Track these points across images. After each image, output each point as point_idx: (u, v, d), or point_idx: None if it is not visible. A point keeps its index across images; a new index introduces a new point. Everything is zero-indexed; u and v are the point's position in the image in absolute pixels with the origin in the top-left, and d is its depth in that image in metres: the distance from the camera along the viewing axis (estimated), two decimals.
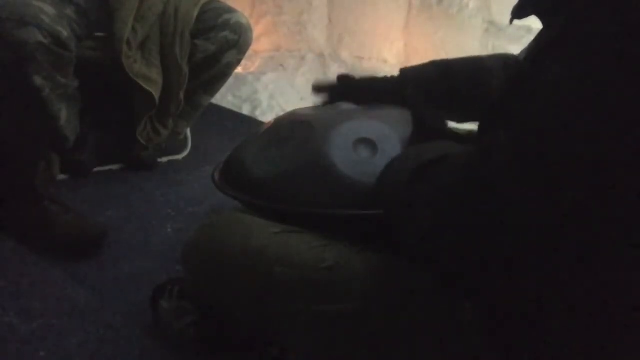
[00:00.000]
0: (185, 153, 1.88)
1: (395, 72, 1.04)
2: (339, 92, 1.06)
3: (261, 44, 2.78)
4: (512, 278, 0.56)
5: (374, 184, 0.82)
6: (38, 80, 1.33)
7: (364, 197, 0.84)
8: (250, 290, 0.85)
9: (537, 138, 0.50)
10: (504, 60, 0.93)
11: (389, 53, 2.78)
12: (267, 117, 2.37)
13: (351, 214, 0.85)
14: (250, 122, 2.21)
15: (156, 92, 1.57)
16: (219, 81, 1.73)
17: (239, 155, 0.99)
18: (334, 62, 2.79)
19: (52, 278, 1.24)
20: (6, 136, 1.36)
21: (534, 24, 0.65)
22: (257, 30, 2.42)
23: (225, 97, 2.43)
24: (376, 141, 0.90)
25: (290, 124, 0.99)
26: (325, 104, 1.08)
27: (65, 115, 1.45)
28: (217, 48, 1.63)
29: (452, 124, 1.00)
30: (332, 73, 2.72)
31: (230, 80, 1.79)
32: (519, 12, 0.68)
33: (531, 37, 0.68)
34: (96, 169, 1.71)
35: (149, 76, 1.56)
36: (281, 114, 1.13)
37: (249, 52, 1.75)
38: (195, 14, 1.60)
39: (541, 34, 0.65)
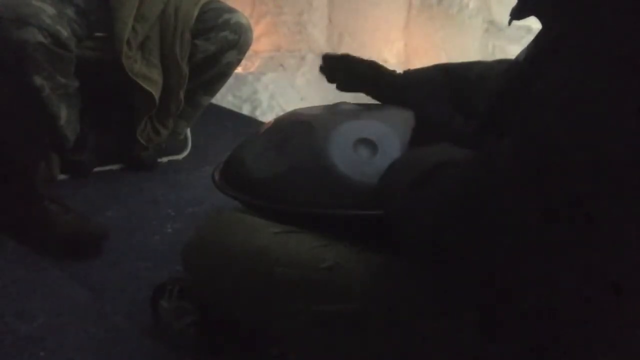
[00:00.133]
0: (185, 153, 1.88)
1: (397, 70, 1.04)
2: (340, 73, 1.06)
3: (261, 44, 2.78)
4: (513, 281, 0.56)
5: (374, 184, 0.82)
6: (38, 80, 1.33)
7: (364, 197, 0.84)
8: (250, 290, 0.85)
9: (538, 144, 0.50)
10: (507, 65, 0.93)
11: (389, 53, 2.78)
12: (267, 117, 2.37)
13: (351, 214, 0.85)
14: (250, 122, 2.21)
15: (156, 92, 1.57)
16: (219, 81, 1.73)
17: (239, 155, 0.99)
18: None
19: (52, 278, 1.24)
20: (6, 136, 1.36)
21: (534, 24, 0.65)
22: (257, 30, 2.42)
23: (225, 97, 2.43)
24: (376, 141, 0.90)
25: (290, 124, 0.99)
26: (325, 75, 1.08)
27: (65, 115, 1.45)
28: (217, 48, 1.63)
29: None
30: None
31: (230, 80, 1.79)
32: (518, 13, 0.68)
33: (531, 37, 0.68)
34: (96, 169, 1.71)
35: (149, 76, 1.56)
36: (281, 114, 1.13)
37: (249, 52, 1.75)
38: (195, 14, 1.60)
39: (540, 35, 0.65)
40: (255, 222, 0.89)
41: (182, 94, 1.65)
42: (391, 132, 0.92)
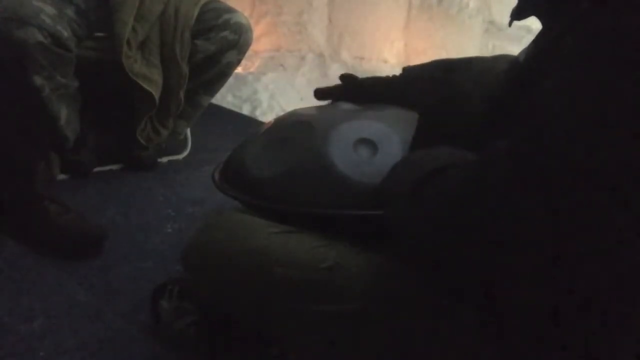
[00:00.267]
0: (185, 153, 1.88)
1: (396, 72, 1.04)
2: (343, 92, 1.06)
3: (261, 44, 2.78)
4: (513, 282, 0.56)
5: (374, 184, 0.82)
6: (38, 80, 1.33)
7: (364, 197, 0.84)
8: (250, 290, 0.85)
9: (538, 146, 0.50)
10: (508, 61, 0.93)
11: (389, 53, 2.78)
12: (267, 117, 2.38)
13: (351, 214, 0.85)
14: (250, 122, 2.21)
15: (156, 92, 1.57)
16: (219, 81, 1.73)
17: (239, 155, 0.99)
18: (334, 62, 2.79)
19: (52, 278, 1.24)
20: (6, 136, 1.36)
21: (534, 24, 0.65)
22: (257, 30, 2.42)
23: (225, 97, 2.43)
24: (376, 141, 0.90)
25: (290, 124, 0.99)
26: (328, 103, 1.08)
27: (65, 115, 1.45)
28: (217, 48, 1.63)
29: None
30: (332, 73, 2.72)
31: (230, 80, 1.79)
32: (518, 14, 0.68)
33: (531, 37, 0.68)
34: (96, 169, 1.71)
35: (149, 76, 1.56)
36: (281, 114, 1.13)
37: (249, 52, 1.75)
38: (195, 14, 1.60)
39: (540, 36, 0.65)
40: (255, 222, 0.89)
41: (182, 94, 1.65)
42: (391, 132, 0.92)
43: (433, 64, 1.01)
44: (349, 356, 0.77)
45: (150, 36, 1.56)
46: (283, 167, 0.91)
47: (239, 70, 2.07)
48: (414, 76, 1.01)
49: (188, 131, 1.87)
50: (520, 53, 0.74)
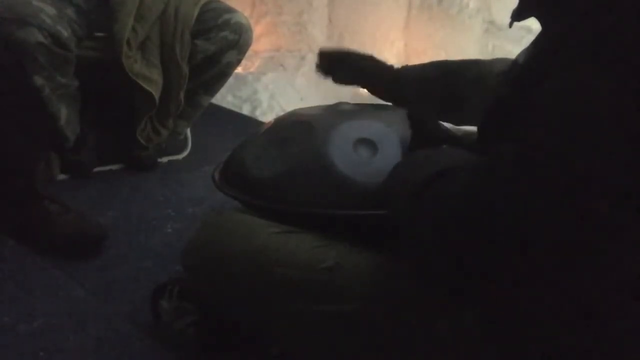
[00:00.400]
0: (185, 153, 1.88)
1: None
2: (338, 66, 1.06)
3: (261, 44, 2.78)
4: (514, 286, 0.56)
5: (373, 184, 0.82)
6: (38, 80, 1.33)
7: (364, 197, 0.84)
8: (250, 290, 0.85)
9: (541, 150, 0.50)
10: (506, 64, 0.93)
11: (389, 53, 2.78)
12: (267, 117, 2.37)
13: (351, 214, 0.85)
14: (250, 122, 2.21)
15: (156, 92, 1.57)
16: (219, 81, 1.73)
17: (239, 155, 1.00)
18: None
19: (52, 278, 1.24)
20: (6, 136, 1.36)
21: (534, 24, 0.65)
22: (257, 30, 2.42)
23: (225, 97, 2.43)
24: (376, 141, 0.90)
25: (290, 124, 0.99)
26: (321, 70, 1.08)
27: (65, 115, 1.45)
28: (217, 48, 1.63)
29: (449, 125, 1.00)
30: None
31: (230, 80, 1.79)
32: (518, 15, 0.68)
33: (531, 37, 0.68)
34: (96, 169, 1.71)
35: (149, 76, 1.56)
36: (281, 114, 1.13)
37: (249, 52, 1.75)
38: (195, 14, 1.60)
39: (540, 37, 0.65)
40: (255, 222, 0.89)
41: (182, 94, 1.65)
42: (391, 132, 0.92)
43: (429, 65, 1.01)
44: (349, 356, 0.77)
45: (150, 36, 1.56)
46: (283, 167, 0.91)
47: (239, 70, 2.07)
48: (410, 77, 1.01)
49: (188, 131, 1.87)
50: (519, 55, 0.74)
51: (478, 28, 2.60)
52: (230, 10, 1.67)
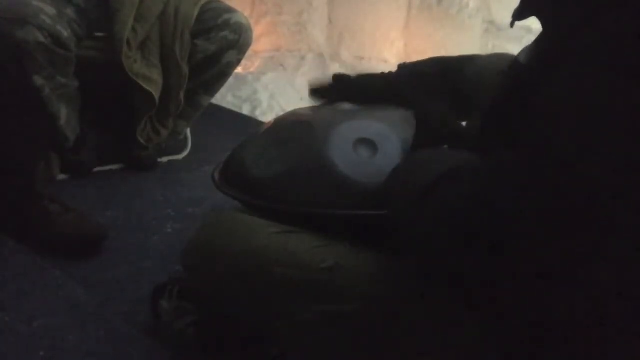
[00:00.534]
0: (185, 153, 1.88)
1: (394, 70, 1.04)
2: (336, 92, 1.06)
3: (261, 44, 2.78)
4: (515, 288, 0.56)
5: (373, 184, 0.82)
6: (38, 80, 1.33)
7: (364, 197, 0.84)
8: (250, 290, 0.85)
9: (547, 155, 0.49)
10: (505, 60, 0.93)
11: (389, 53, 2.78)
12: (267, 117, 2.37)
13: (351, 214, 0.85)
14: (250, 122, 2.21)
15: (156, 92, 1.57)
16: (219, 81, 1.73)
17: (239, 155, 0.99)
18: (334, 62, 2.79)
19: (52, 278, 1.24)
20: (6, 136, 1.36)
21: (534, 24, 0.65)
22: (257, 30, 2.42)
23: (225, 97, 2.43)
24: (376, 141, 0.90)
25: (290, 124, 0.99)
26: (324, 104, 1.07)
27: (65, 115, 1.45)
28: (217, 48, 1.63)
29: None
30: (332, 73, 2.71)
31: (230, 80, 1.79)
32: (519, 14, 0.68)
33: (531, 37, 0.68)
34: (96, 169, 1.71)
35: (149, 76, 1.56)
36: (281, 114, 1.13)
37: (249, 52, 1.75)
38: (195, 14, 1.60)
39: (541, 38, 0.65)
40: (255, 222, 0.89)
41: (182, 94, 1.65)
42: (391, 132, 0.92)
43: (428, 61, 1.01)
44: (349, 356, 0.77)
45: (150, 36, 1.56)
46: (283, 167, 0.91)
47: (239, 70, 2.07)
48: (410, 74, 1.01)
49: (188, 131, 1.87)
50: (521, 53, 0.74)
51: (478, 28, 2.60)
52: (230, 10, 1.67)
